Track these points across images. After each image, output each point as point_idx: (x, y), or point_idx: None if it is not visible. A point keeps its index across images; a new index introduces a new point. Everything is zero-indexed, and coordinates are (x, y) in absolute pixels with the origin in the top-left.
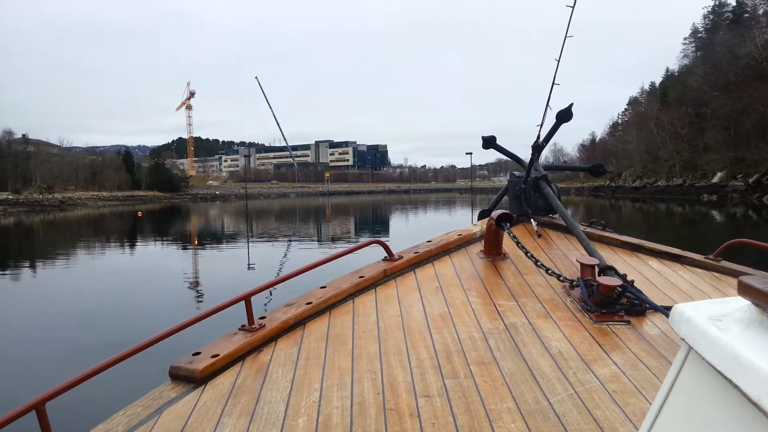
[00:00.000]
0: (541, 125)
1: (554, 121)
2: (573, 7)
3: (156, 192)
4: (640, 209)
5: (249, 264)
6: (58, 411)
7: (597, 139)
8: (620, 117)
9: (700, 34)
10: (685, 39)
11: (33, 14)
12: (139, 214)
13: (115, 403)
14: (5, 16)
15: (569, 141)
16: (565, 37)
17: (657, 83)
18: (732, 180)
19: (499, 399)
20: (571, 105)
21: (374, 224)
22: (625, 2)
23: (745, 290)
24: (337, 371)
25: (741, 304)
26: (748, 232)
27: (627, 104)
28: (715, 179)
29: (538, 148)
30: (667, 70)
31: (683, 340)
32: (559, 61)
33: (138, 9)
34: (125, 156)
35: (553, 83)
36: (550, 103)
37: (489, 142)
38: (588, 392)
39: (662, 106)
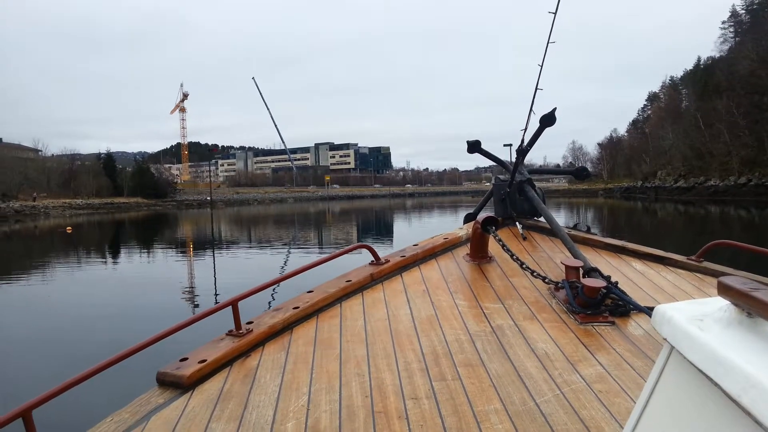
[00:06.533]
0: (525, 129)
1: (539, 125)
2: (555, 14)
3: (139, 198)
4: (705, 216)
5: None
6: (45, 418)
7: (618, 137)
8: (640, 114)
9: (739, 17)
10: (723, 23)
11: (32, 21)
12: (68, 230)
13: (102, 410)
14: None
15: (592, 140)
16: (548, 43)
17: (678, 77)
18: None
19: (487, 400)
20: (554, 109)
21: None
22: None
23: (724, 290)
24: (325, 375)
25: (721, 304)
26: None
27: (646, 100)
28: None
29: (522, 152)
30: (699, 59)
31: (665, 340)
32: (542, 66)
33: (138, 15)
34: (106, 160)
35: (536, 88)
36: (533, 108)
37: (474, 147)
38: (574, 392)
39: (702, 97)
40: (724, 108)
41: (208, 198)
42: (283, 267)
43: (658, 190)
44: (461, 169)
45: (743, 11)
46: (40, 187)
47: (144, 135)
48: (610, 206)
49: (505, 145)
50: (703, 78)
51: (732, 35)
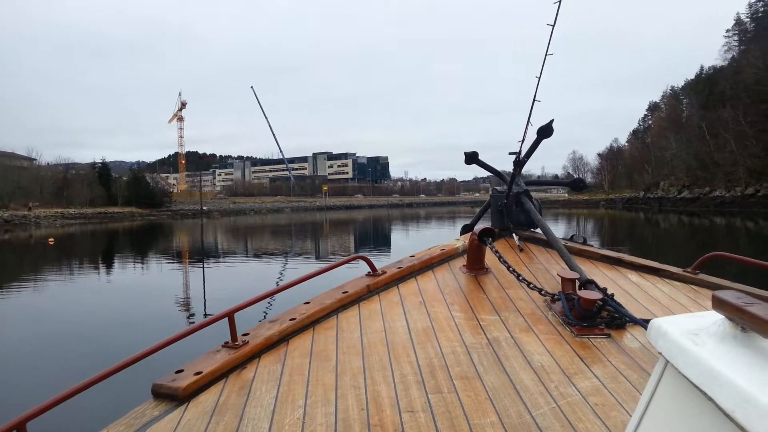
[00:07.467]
0: (523, 141)
1: (536, 136)
2: (553, 26)
3: (133, 208)
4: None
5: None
6: (40, 430)
7: (619, 147)
8: (641, 123)
9: (744, 26)
10: (727, 31)
11: (35, 31)
12: (50, 241)
13: (97, 422)
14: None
15: (592, 149)
16: (546, 55)
17: (678, 86)
18: None
19: (483, 413)
20: (552, 121)
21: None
22: (631, 10)
23: (719, 305)
24: (321, 387)
25: (715, 318)
26: None
27: (647, 110)
28: None
29: (519, 163)
30: (702, 68)
31: (660, 354)
32: (539, 78)
33: (140, 25)
34: (101, 169)
35: (534, 100)
36: (531, 119)
37: (471, 158)
38: (570, 405)
39: (706, 106)
40: (731, 117)
41: (204, 208)
42: (279, 278)
43: (661, 200)
44: (459, 179)
45: (747, 19)
46: (32, 196)
47: (144, 144)
48: (612, 217)
49: (510, 153)
50: (706, 87)
51: (736, 44)
